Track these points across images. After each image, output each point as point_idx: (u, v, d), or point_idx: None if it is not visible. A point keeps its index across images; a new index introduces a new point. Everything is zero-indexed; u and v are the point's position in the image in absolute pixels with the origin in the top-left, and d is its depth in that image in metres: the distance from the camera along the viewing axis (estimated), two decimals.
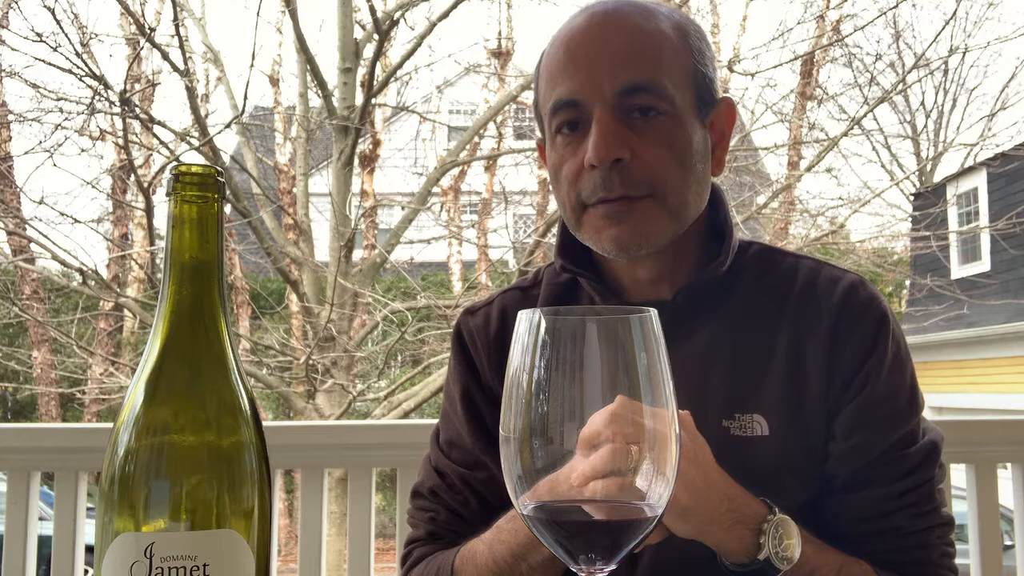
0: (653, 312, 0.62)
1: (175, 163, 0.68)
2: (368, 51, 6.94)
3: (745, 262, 1.10)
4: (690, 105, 1.03)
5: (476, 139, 8.26)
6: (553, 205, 9.18)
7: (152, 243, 6.42)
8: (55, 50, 5.73)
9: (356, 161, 7.31)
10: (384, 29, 6.59)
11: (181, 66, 5.78)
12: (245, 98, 5.90)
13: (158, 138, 6.72)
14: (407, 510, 1.20)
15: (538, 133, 1.16)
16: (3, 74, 7.33)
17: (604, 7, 1.04)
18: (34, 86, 6.48)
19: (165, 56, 5.92)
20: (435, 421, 1.24)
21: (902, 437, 1.01)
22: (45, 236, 6.29)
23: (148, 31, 5.90)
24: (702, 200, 1.06)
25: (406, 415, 6.60)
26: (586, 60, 1.01)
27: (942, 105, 16.75)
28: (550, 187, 1.18)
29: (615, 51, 1.01)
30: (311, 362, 6.32)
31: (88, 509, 1.97)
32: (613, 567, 0.62)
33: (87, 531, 1.63)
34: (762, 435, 1.00)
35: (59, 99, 6.38)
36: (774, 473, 0.99)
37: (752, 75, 7.10)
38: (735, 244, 1.09)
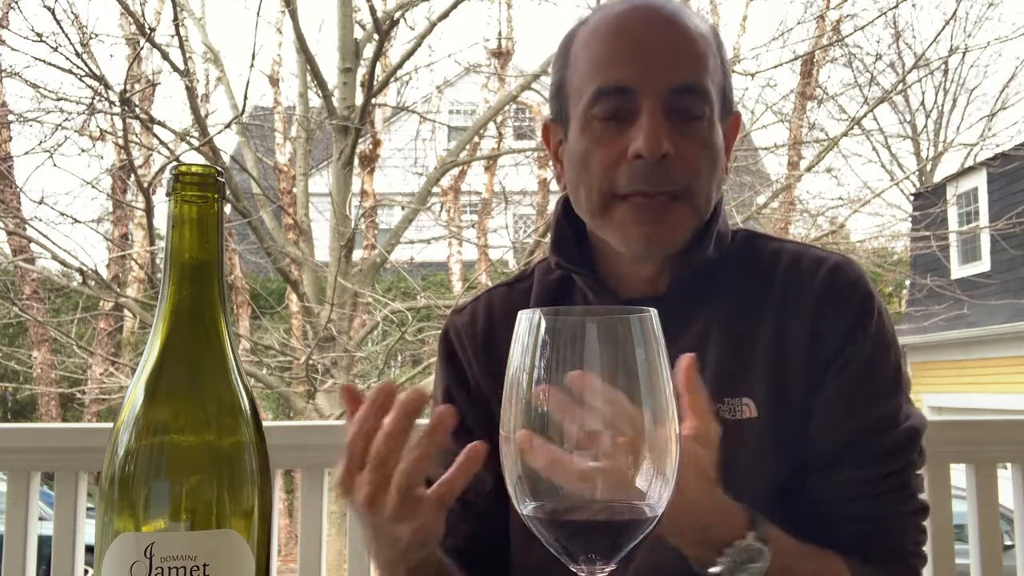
0: (653, 312, 0.62)
1: (175, 163, 0.68)
2: (368, 51, 6.94)
3: (732, 249, 1.11)
4: (718, 111, 1.05)
5: (476, 139, 8.26)
6: (553, 205, 9.13)
7: (152, 243, 6.42)
8: (55, 50, 5.74)
9: (356, 161, 7.31)
10: (384, 29, 6.59)
11: (181, 66, 5.79)
12: (245, 98, 5.91)
13: (158, 138, 6.72)
14: None
15: (546, 113, 1.15)
16: (3, 74, 7.33)
17: (651, 2, 1.05)
18: (34, 86, 6.49)
19: (165, 56, 5.92)
20: None
21: (881, 418, 1.01)
22: (45, 236, 6.31)
23: (148, 31, 5.91)
24: (715, 203, 1.07)
25: None
26: (643, 51, 1.01)
27: (942, 105, 16.76)
28: (553, 173, 1.17)
29: (672, 48, 1.02)
30: (311, 362, 6.32)
31: (88, 509, 1.97)
32: (613, 567, 0.62)
33: (87, 531, 1.63)
34: (751, 417, 1.01)
35: (59, 99, 6.39)
36: (764, 454, 1.00)
37: (752, 75, 7.11)
38: (723, 232, 1.09)
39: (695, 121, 1.01)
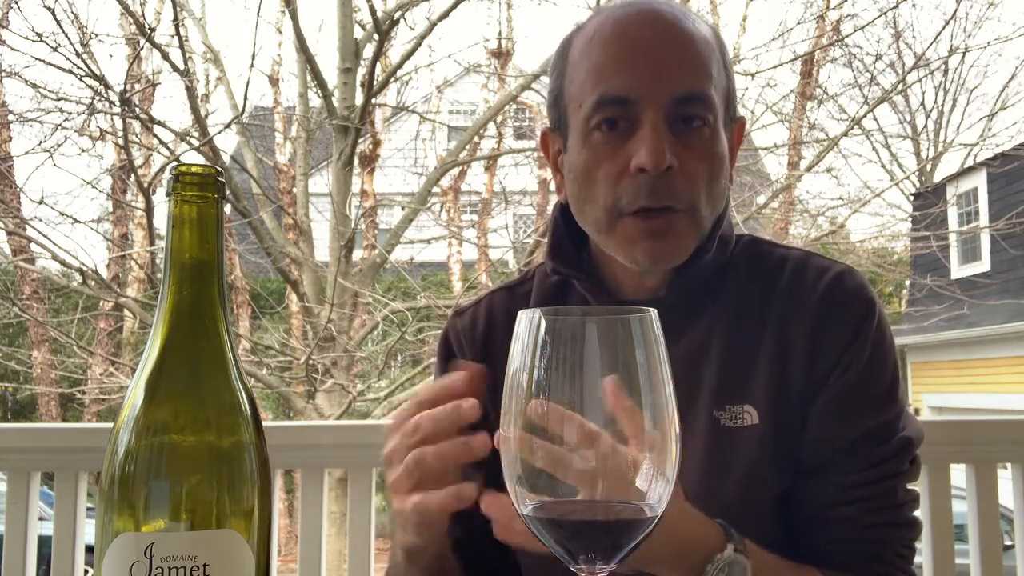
0: (653, 312, 0.62)
1: (175, 163, 0.68)
2: (368, 51, 6.94)
3: (735, 254, 1.10)
4: (722, 118, 1.02)
5: (476, 139, 8.26)
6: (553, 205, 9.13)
7: (152, 243, 6.42)
8: (55, 50, 5.74)
9: (356, 161, 7.31)
10: (384, 29, 6.59)
11: (181, 66, 5.79)
12: (245, 98, 5.91)
13: (158, 138, 6.72)
14: None
15: (543, 125, 1.13)
16: (3, 74, 7.33)
17: (652, 5, 1.02)
18: (34, 86, 6.49)
19: (165, 56, 5.92)
20: None
21: (875, 428, 1.00)
22: (45, 236, 6.30)
23: (148, 31, 5.90)
24: (719, 212, 1.06)
25: None
26: (644, 59, 0.98)
27: (942, 105, 16.77)
28: (552, 183, 1.16)
29: (675, 55, 0.99)
30: (311, 362, 6.32)
31: (88, 509, 1.97)
32: (613, 567, 0.62)
33: (87, 531, 1.63)
34: (752, 424, 1.00)
35: (59, 99, 6.39)
36: (764, 462, 1.00)
37: (752, 75, 7.11)
38: (726, 236, 1.08)
39: (698, 130, 0.99)
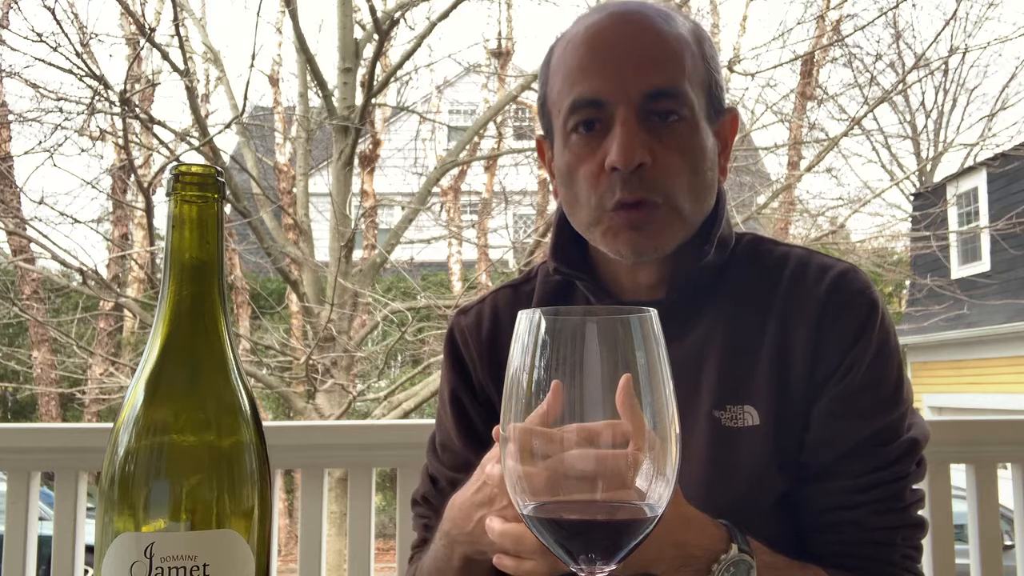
0: (653, 312, 0.62)
1: (175, 163, 0.68)
2: (368, 51, 6.94)
3: (737, 253, 1.10)
4: (703, 111, 1.03)
5: (476, 139, 8.26)
6: (553, 205, 9.17)
7: (152, 243, 6.43)
8: (55, 50, 5.74)
9: (356, 161, 7.31)
10: (384, 29, 6.59)
11: (181, 66, 5.79)
12: (245, 98, 5.91)
13: (158, 138, 6.72)
14: (411, 517, 1.22)
15: (538, 131, 1.15)
16: (3, 74, 7.32)
17: (625, 7, 1.04)
18: (34, 86, 6.48)
19: (165, 56, 5.92)
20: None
21: (880, 430, 1.00)
22: (45, 236, 6.29)
23: (148, 31, 5.90)
24: (709, 206, 1.06)
25: (406, 415, 6.60)
26: (612, 60, 1.00)
27: (942, 105, 16.76)
28: (550, 187, 1.17)
29: (642, 54, 1.00)
30: (311, 362, 6.32)
31: (88, 509, 1.97)
32: (613, 567, 0.62)
33: (87, 531, 1.63)
34: (753, 425, 1.00)
35: (59, 99, 6.38)
36: (765, 463, 1.00)
37: (752, 75, 7.11)
38: (725, 236, 1.08)
39: (673, 125, 1.00)
